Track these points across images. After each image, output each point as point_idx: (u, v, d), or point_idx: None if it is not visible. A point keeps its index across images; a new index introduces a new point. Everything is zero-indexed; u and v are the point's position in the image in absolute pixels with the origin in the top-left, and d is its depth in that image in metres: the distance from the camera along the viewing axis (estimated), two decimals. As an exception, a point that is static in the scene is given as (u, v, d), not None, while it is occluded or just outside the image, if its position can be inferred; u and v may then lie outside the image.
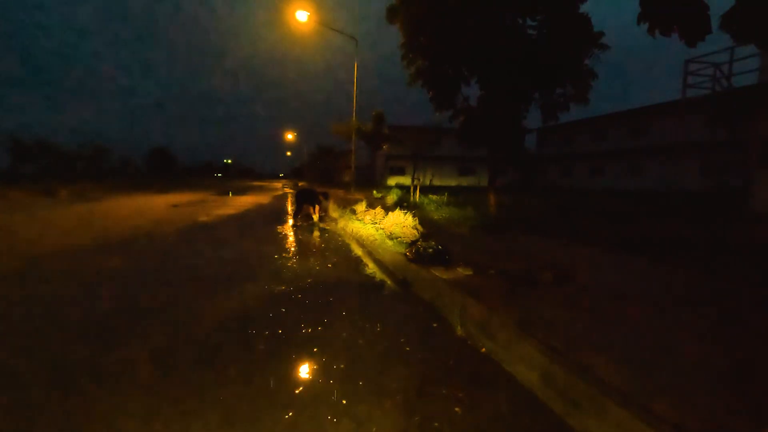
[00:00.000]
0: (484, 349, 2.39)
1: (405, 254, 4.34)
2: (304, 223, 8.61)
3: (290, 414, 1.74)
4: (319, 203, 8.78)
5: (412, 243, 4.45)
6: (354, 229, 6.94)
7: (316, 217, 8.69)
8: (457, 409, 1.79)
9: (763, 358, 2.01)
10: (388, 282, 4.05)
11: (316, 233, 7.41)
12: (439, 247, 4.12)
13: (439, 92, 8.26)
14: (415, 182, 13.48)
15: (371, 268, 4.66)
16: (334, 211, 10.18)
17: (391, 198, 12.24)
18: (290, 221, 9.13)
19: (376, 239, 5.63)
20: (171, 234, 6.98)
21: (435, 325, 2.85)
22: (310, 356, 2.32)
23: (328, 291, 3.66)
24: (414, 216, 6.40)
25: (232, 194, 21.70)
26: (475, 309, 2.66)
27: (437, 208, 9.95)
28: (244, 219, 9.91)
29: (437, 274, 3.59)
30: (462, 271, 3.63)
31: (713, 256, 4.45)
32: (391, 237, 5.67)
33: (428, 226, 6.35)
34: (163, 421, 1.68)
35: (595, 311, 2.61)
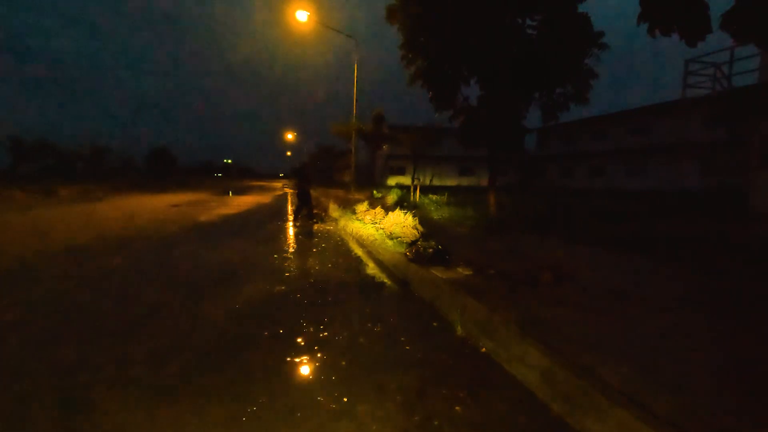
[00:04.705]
0: (484, 349, 2.39)
1: (405, 254, 4.34)
2: (304, 223, 8.61)
3: (291, 413, 1.74)
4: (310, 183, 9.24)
5: (412, 243, 4.45)
6: (354, 229, 6.94)
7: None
8: (457, 408, 1.79)
9: (763, 357, 2.01)
10: (388, 282, 4.05)
11: (316, 233, 7.41)
12: (439, 247, 4.12)
13: (439, 92, 8.24)
14: (415, 182, 13.49)
15: (371, 267, 4.66)
16: (334, 211, 10.18)
17: (391, 198, 12.23)
18: (290, 221, 9.13)
19: (376, 239, 5.63)
20: (171, 234, 6.98)
21: (435, 324, 2.85)
22: (311, 355, 2.32)
23: (328, 291, 3.66)
24: (414, 216, 6.40)
25: (232, 194, 21.71)
26: (475, 309, 2.67)
27: (437, 208, 9.95)
28: (244, 219, 9.91)
29: (437, 273, 3.59)
30: (462, 271, 3.63)
31: (713, 256, 4.45)
32: (391, 237, 5.67)
33: (428, 226, 6.35)
34: (165, 420, 1.68)
35: (595, 311, 2.61)
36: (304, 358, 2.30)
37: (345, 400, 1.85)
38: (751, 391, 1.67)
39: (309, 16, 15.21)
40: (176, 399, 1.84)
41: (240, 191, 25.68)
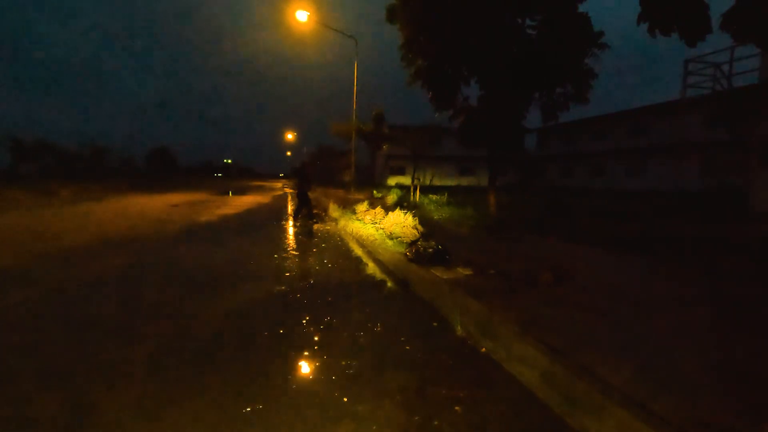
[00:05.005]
0: (484, 349, 2.39)
1: (405, 254, 4.34)
2: (304, 223, 8.61)
3: (291, 412, 1.74)
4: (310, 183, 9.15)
5: (412, 243, 4.44)
6: (354, 229, 6.94)
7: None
8: (457, 408, 1.79)
9: (763, 356, 2.01)
10: (388, 282, 4.05)
11: (316, 233, 7.41)
12: (439, 246, 4.11)
13: (438, 92, 8.24)
14: (415, 182, 13.48)
15: (371, 267, 4.66)
16: (334, 211, 10.18)
17: (391, 198, 12.23)
18: (290, 221, 9.13)
19: (376, 239, 5.63)
20: (171, 234, 6.98)
21: (435, 324, 2.85)
22: (311, 355, 2.32)
23: (328, 291, 3.66)
24: (414, 216, 6.40)
25: (232, 194, 21.71)
26: (475, 309, 2.66)
27: (437, 208, 9.95)
28: (244, 219, 9.91)
29: (437, 274, 3.58)
30: (462, 271, 3.63)
31: (713, 256, 4.45)
32: (391, 237, 5.67)
33: (428, 226, 6.35)
34: (165, 420, 1.68)
35: (595, 311, 2.61)
36: (304, 358, 2.30)
37: (345, 400, 1.85)
38: (751, 390, 1.67)
39: (309, 16, 15.22)
40: (176, 399, 1.84)
41: (240, 191, 25.67)
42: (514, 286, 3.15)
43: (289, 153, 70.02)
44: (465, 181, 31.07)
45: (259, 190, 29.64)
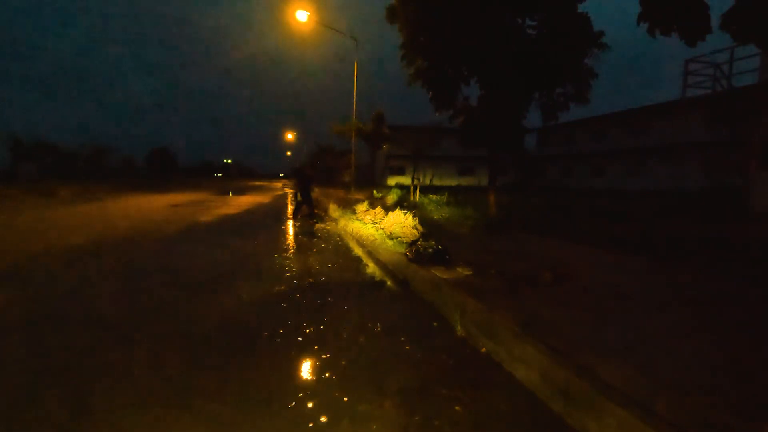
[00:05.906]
0: (484, 349, 2.39)
1: (405, 254, 4.34)
2: (304, 223, 8.61)
3: (291, 412, 1.75)
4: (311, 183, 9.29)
5: (412, 243, 4.44)
6: (354, 229, 6.94)
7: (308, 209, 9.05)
8: (457, 408, 1.79)
9: (762, 356, 2.01)
10: (389, 282, 4.05)
11: (316, 233, 7.41)
12: (439, 246, 4.11)
13: (439, 92, 8.23)
14: (415, 182, 13.47)
15: (371, 267, 4.66)
16: (334, 211, 10.18)
17: (391, 198, 12.23)
18: (290, 221, 9.13)
19: (376, 239, 5.63)
20: (171, 234, 6.98)
21: (435, 324, 2.85)
22: (311, 355, 2.32)
23: (328, 291, 3.66)
24: (414, 216, 6.40)
25: (232, 194, 21.70)
26: (475, 309, 2.66)
27: (437, 207, 9.94)
28: (244, 219, 9.91)
29: (437, 273, 3.58)
30: (462, 271, 3.63)
31: (713, 256, 4.45)
32: (391, 237, 5.67)
33: (428, 226, 6.35)
34: (166, 420, 1.68)
35: (594, 311, 2.61)
36: (304, 358, 2.30)
37: (345, 399, 1.85)
38: (751, 390, 1.67)
39: (309, 16, 15.20)
40: (176, 399, 1.84)
41: (240, 191, 25.66)
42: (514, 286, 3.15)
43: (289, 153, 69.91)
44: (465, 181, 31.07)
45: (259, 190, 29.63)
